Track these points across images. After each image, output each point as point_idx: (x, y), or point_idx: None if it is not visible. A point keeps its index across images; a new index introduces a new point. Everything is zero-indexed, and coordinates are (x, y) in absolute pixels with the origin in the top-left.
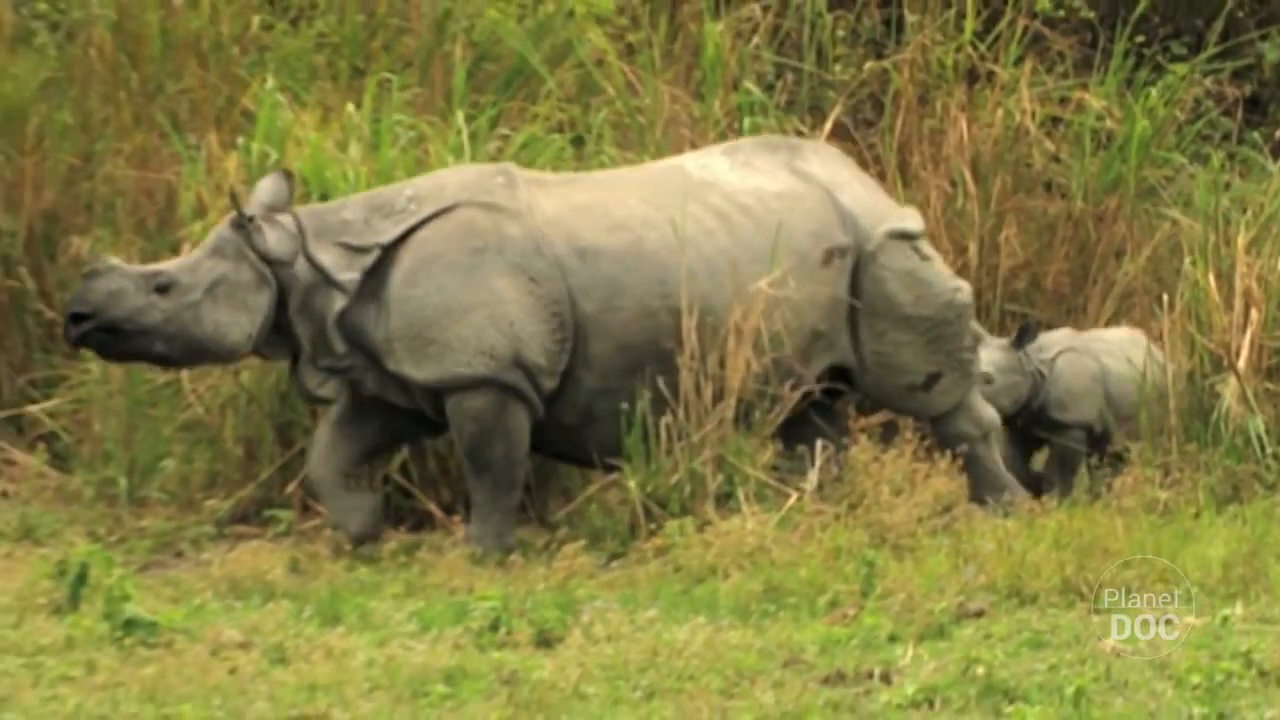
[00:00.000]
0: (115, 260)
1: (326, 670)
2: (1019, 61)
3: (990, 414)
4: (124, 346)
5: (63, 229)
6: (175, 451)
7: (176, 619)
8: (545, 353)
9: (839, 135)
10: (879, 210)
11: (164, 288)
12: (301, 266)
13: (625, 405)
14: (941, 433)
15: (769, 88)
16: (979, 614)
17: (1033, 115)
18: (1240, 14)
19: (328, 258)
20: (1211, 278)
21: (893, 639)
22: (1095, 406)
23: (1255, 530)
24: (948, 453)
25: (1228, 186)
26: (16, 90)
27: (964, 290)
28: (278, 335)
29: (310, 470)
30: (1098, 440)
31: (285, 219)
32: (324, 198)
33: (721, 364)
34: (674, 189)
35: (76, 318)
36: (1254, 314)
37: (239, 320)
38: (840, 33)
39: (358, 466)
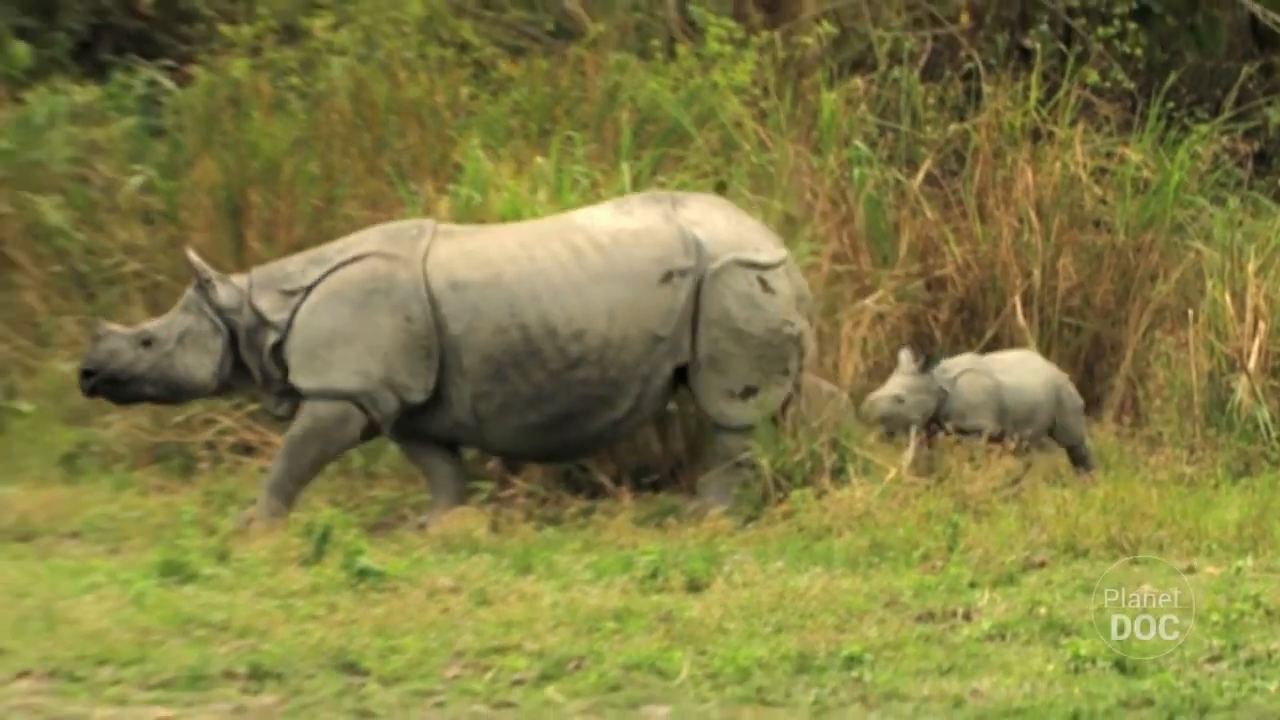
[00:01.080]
0: (113, 326)
1: (519, 610)
2: (1073, 123)
3: (747, 450)
4: (123, 392)
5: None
6: None
7: (400, 569)
8: (411, 374)
9: (929, 182)
10: (732, 242)
11: (147, 342)
12: (247, 313)
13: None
14: (721, 440)
15: (873, 144)
16: (1041, 565)
17: (1084, 166)
18: (1250, 85)
19: (265, 303)
20: (1228, 296)
21: (972, 585)
22: (991, 414)
23: (1262, 498)
24: (1016, 437)
25: (1240, 224)
26: (273, 146)
27: (794, 326)
28: (241, 371)
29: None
30: (997, 439)
31: (238, 278)
32: None
33: (835, 365)
34: (547, 233)
35: (86, 374)
36: (1261, 325)
37: (203, 361)
38: (930, 100)
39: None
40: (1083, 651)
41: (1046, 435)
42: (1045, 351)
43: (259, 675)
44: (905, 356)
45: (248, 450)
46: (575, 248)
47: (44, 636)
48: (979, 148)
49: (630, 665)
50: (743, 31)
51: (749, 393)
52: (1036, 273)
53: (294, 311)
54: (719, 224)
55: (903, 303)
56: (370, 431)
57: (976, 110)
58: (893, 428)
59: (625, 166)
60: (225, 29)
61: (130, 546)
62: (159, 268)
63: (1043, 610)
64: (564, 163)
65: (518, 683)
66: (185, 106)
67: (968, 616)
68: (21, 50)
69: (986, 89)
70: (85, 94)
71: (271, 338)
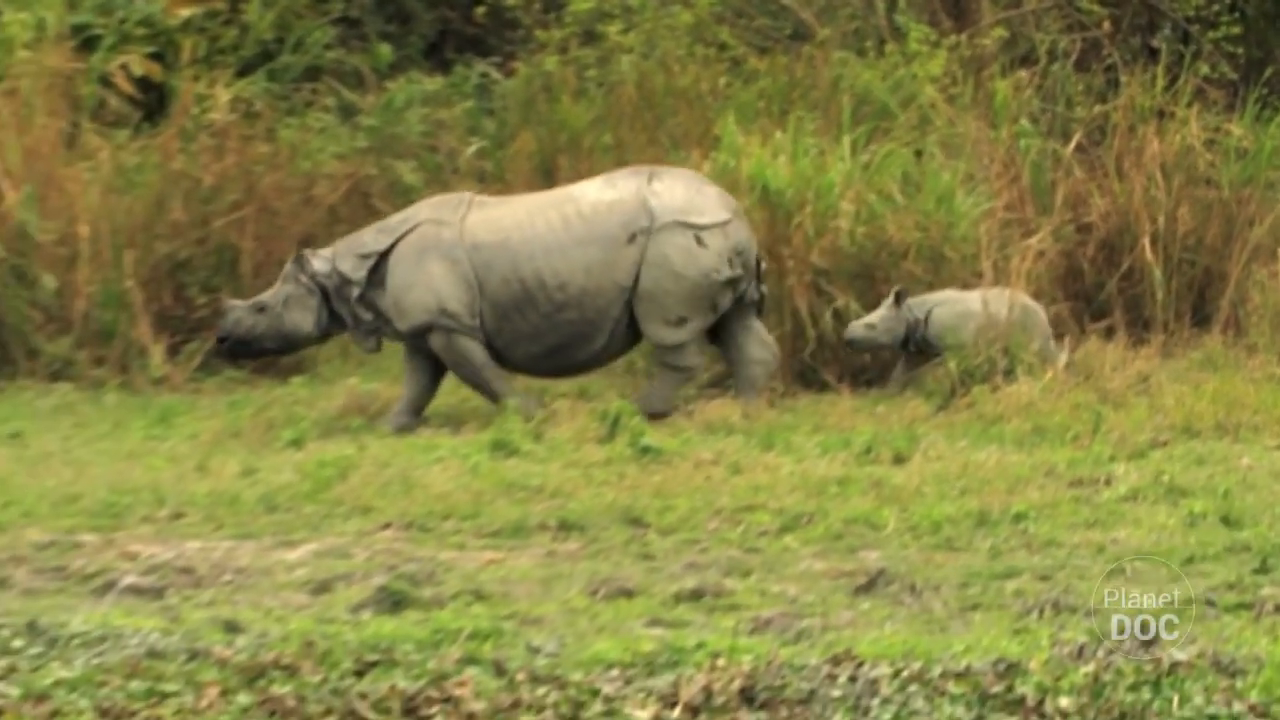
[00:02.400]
0: (236, 301)
1: (764, 477)
2: (1189, 105)
3: (691, 358)
4: (250, 350)
5: None
6: None
7: (673, 446)
8: (461, 304)
9: (1079, 150)
10: (679, 208)
11: (260, 309)
12: (334, 275)
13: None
14: (662, 357)
15: (1035, 121)
16: (1164, 443)
17: (1198, 138)
18: None
19: (346, 266)
20: None
21: (1111, 459)
22: (968, 335)
23: None
24: (1149, 343)
25: None
26: (577, 123)
27: (720, 273)
28: (335, 319)
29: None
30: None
31: (325, 251)
32: (764, 189)
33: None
34: (549, 204)
35: (220, 340)
36: None
37: (306, 318)
38: (1079, 88)
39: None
40: (1196, 509)
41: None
42: (1167, 281)
43: (565, 527)
44: (890, 293)
45: None
46: (565, 216)
47: (401, 497)
48: (1117, 124)
49: (849, 520)
50: (936, 34)
51: (681, 321)
52: (1161, 219)
53: (370, 270)
54: (676, 193)
55: (1058, 243)
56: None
57: (1115, 95)
58: (864, 349)
59: (845, 139)
60: (540, 33)
61: (467, 429)
62: None
63: (1165, 478)
64: (798, 136)
65: (763, 533)
66: (509, 93)
67: (1108, 483)
68: (385, 50)
69: (1123, 79)
70: (433, 84)
71: (354, 292)
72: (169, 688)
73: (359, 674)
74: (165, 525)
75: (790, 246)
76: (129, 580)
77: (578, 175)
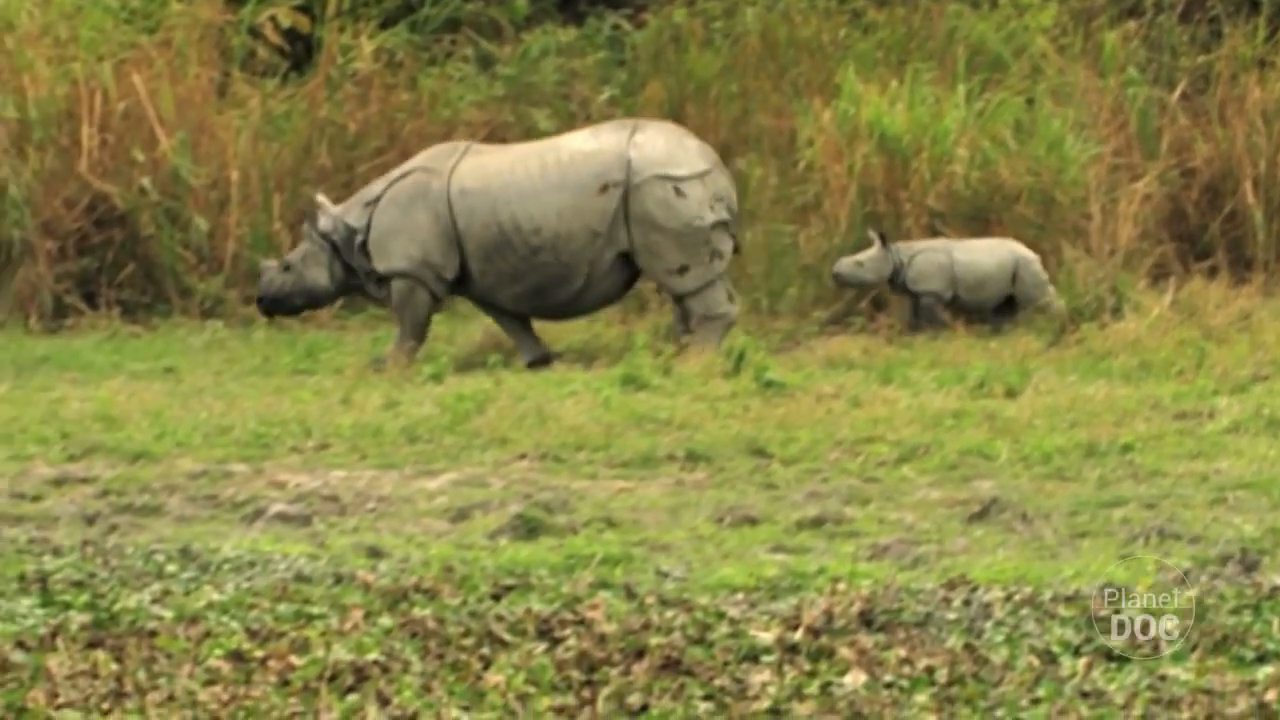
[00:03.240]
0: (268, 262)
1: (882, 410)
2: None
3: (719, 305)
4: (283, 307)
5: (730, 154)
6: (795, 283)
7: (795, 380)
8: (441, 255)
9: (1184, 98)
10: (658, 160)
11: (287, 267)
12: (341, 228)
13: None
14: (690, 308)
15: (1142, 70)
16: (1265, 378)
17: None
18: None
19: (351, 216)
20: None
21: (1214, 392)
22: (940, 283)
23: None
24: (1251, 282)
25: None
26: (704, 72)
27: (705, 218)
28: (351, 272)
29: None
30: (953, 301)
31: (337, 208)
32: (882, 136)
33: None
34: (534, 153)
35: (259, 300)
36: None
37: (320, 273)
38: (1184, 38)
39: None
40: None
41: (1009, 302)
42: (1268, 222)
43: (693, 458)
44: (873, 236)
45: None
46: (545, 164)
47: (536, 429)
48: (1220, 73)
49: (964, 451)
50: None
51: (683, 269)
52: (1262, 163)
53: (370, 216)
54: (657, 146)
55: (1163, 187)
56: (433, 298)
57: (1218, 45)
58: (847, 285)
59: (960, 88)
60: None
61: (599, 364)
62: None
63: (1266, 410)
64: (915, 85)
65: (881, 464)
66: (639, 43)
67: (1211, 416)
68: (521, 3)
69: (1226, 29)
70: (567, 35)
71: (358, 239)
72: (315, 610)
73: (496, 597)
74: (312, 456)
75: (907, 190)
76: (277, 508)
77: (705, 123)
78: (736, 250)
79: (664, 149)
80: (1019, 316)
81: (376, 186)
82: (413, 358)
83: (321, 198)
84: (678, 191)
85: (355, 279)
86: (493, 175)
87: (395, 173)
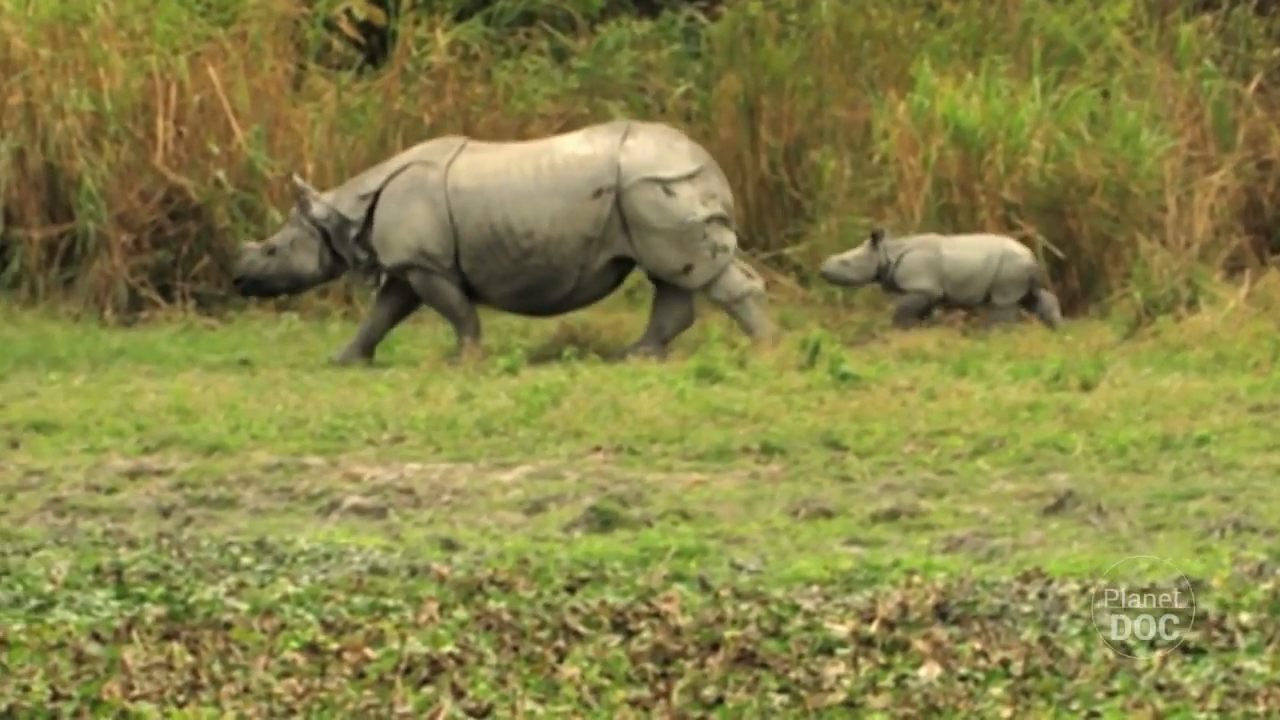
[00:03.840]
0: (250, 244)
1: (957, 403)
2: None
3: (739, 285)
4: (263, 290)
5: (805, 146)
6: None
7: (870, 372)
8: (440, 246)
9: (1259, 90)
10: (647, 164)
11: (271, 251)
12: (334, 217)
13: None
14: (711, 297)
15: (1217, 63)
16: None
17: None
18: None
19: (345, 207)
20: None
21: None
22: (929, 281)
23: None
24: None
25: None
26: (779, 65)
27: (697, 215)
28: (337, 259)
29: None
30: (942, 300)
31: (327, 195)
32: (957, 128)
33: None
34: (529, 155)
35: (237, 281)
36: None
37: (308, 259)
38: (1260, 30)
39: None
40: None
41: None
42: None
43: (768, 450)
44: (880, 230)
45: None
46: (539, 167)
47: (611, 421)
48: None
49: (1039, 444)
50: None
51: (687, 269)
52: None
53: (368, 210)
54: (647, 150)
55: (1239, 179)
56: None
57: None
58: (835, 284)
59: (1035, 80)
60: None
61: (674, 356)
62: None
63: None
64: (990, 77)
65: (956, 456)
66: (714, 36)
67: None
68: None
69: None
70: (641, 27)
71: (352, 231)
72: (390, 603)
73: (570, 590)
74: (387, 448)
75: (982, 182)
76: (352, 500)
77: (779, 116)
78: (743, 244)
79: (653, 152)
80: (994, 314)
81: (371, 179)
82: (476, 342)
83: (304, 183)
84: (667, 191)
85: (343, 266)
86: (488, 175)
87: (392, 165)
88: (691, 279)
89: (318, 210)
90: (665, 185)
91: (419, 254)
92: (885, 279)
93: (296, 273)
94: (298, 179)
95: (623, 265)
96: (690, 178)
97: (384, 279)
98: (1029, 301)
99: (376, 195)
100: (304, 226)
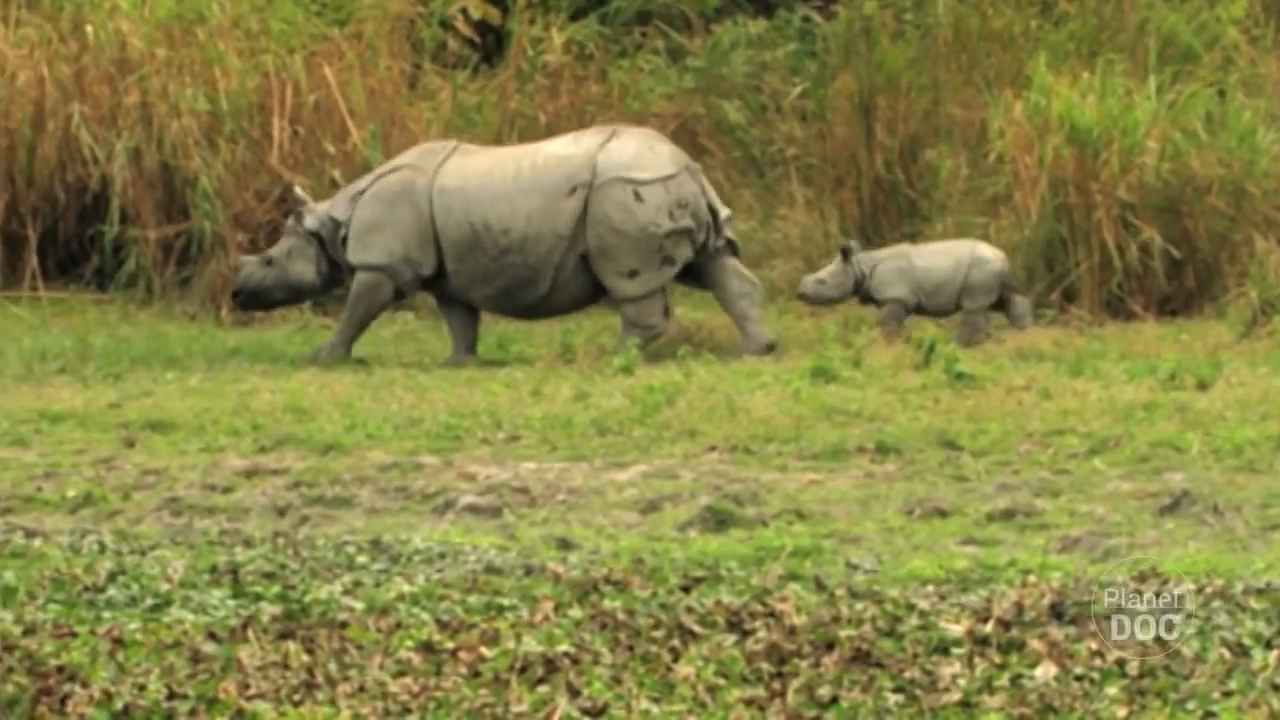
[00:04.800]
0: (247, 256)
1: (1073, 402)
2: None
3: (648, 318)
4: (262, 301)
5: (920, 145)
6: None
7: (985, 372)
8: (422, 253)
9: None
10: (622, 164)
11: (269, 262)
12: (327, 223)
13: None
14: (624, 311)
15: None
16: None
17: None
18: None
19: (338, 210)
20: None
21: None
22: (903, 290)
23: None
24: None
25: None
26: (895, 64)
27: (661, 227)
28: (335, 267)
29: None
30: (917, 309)
31: (322, 205)
32: (1073, 127)
33: None
34: (513, 156)
35: (235, 294)
36: None
37: (306, 268)
38: None
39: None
40: None
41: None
42: None
43: (883, 450)
44: (852, 246)
45: None
46: (520, 168)
47: (726, 421)
48: None
49: (1155, 443)
50: None
51: (634, 274)
52: None
53: (354, 209)
54: (626, 151)
55: None
56: (399, 295)
57: None
58: (814, 303)
59: (1151, 79)
60: None
61: (789, 355)
62: (811, 153)
63: None
64: (1106, 76)
65: (1071, 456)
66: (830, 35)
67: None
68: None
69: None
70: (757, 27)
71: (343, 232)
72: (505, 602)
73: (685, 589)
74: (502, 447)
75: (1098, 182)
76: (467, 500)
77: (895, 115)
78: (720, 249)
79: (632, 153)
80: (965, 320)
81: (363, 181)
82: (349, 350)
83: (301, 191)
84: (637, 196)
85: (340, 273)
86: (471, 176)
87: (384, 167)
88: (629, 286)
89: (310, 221)
90: (636, 187)
91: (401, 260)
92: (861, 292)
93: (295, 283)
94: (296, 189)
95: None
96: (665, 181)
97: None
98: (1002, 306)
99: (363, 193)
100: (300, 236)
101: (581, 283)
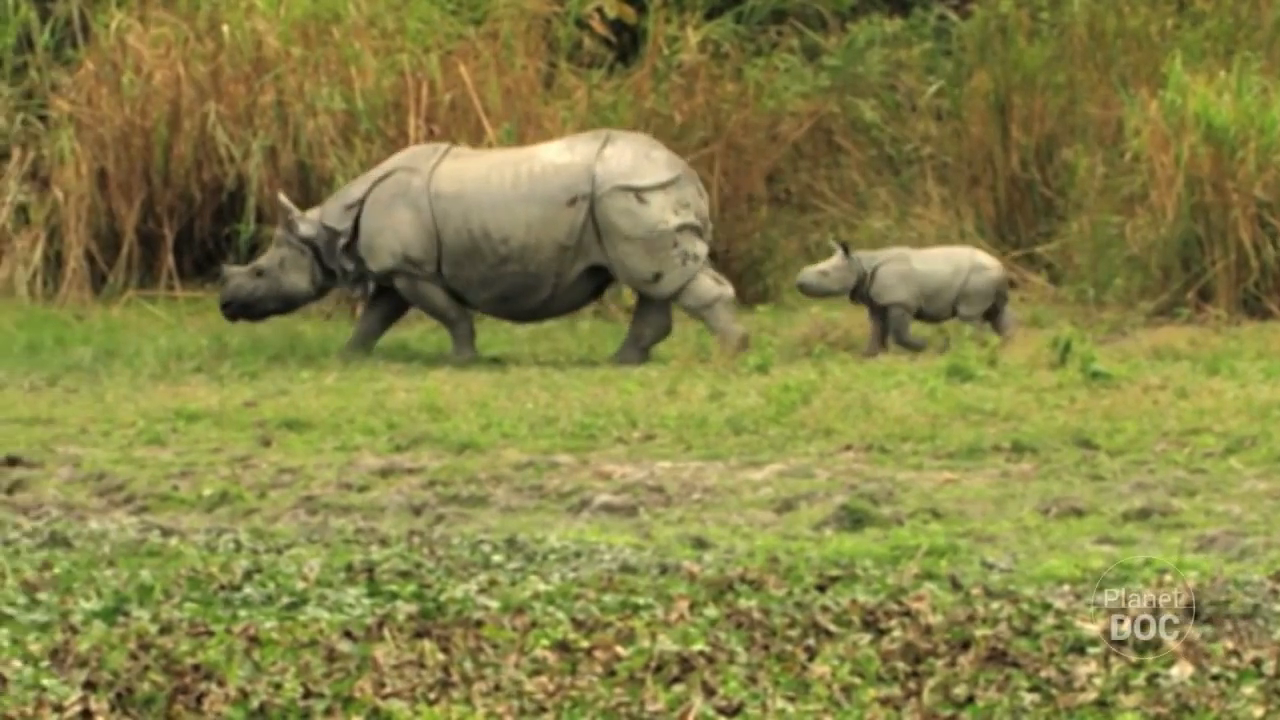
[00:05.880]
0: (235, 268)
1: (1209, 401)
2: None
3: (708, 292)
4: (253, 312)
5: (1056, 144)
6: (1121, 273)
7: (1121, 371)
8: (423, 251)
9: None
10: (621, 172)
11: (259, 273)
12: (321, 232)
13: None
14: (686, 308)
15: None
16: None
17: None
18: None
19: (332, 219)
20: None
21: None
22: (905, 294)
23: None
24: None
25: None
26: (1030, 63)
27: (669, 223)
28: (329, 274)
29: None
30: (919, 313)
31: (313, 212)
32: (1209, 126)
33: None
34: (510, 162)
35: (224, 306)
36: None
37: (300, 278)
38: None
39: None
40: None
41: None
42: None
43: (1019, 449)
44: (834, 245)
45: (1011, 285)
46: (518, 175)
47: (861, 420)
48: None
49: None
50: None
51: (657, 277)
52: None
53: (354, 220)
54: (624, 159)
55: None
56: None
57: None
58: (814, 295)
59: None
60: None
61: (925, 355)
62: (947, 152)
63: None
64: (1243, 75)
65: (1208, 455)
66: (965, 33)
67: None
68: None
69: None
70: (893, 25)
71: (340, 241)
72: (641, 601)
73: (821, 588)
74: (637, 446)
75: (1234, 181)
76: (603, 499)
77: (1031, 114)
78: (713, 256)
79: (629, 161)
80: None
81: (356, 189)
82: (470, 341)
83: (288, 202)
84: (640, 200)
85: (333, 281)
86: (468, 181)
87: (376, 173)
88: (661, 287)
89: (305, 229)
90: (638, 193)
91: (404, 260)
92: (861, 292)
93: (289, 292)
94: (282, 198)
95: (600, 275)
96: (664, 186)
97: (372, 288)
98: (991, 314)
99: (362, 203)
100: (293, 245)
101: (582, 289)
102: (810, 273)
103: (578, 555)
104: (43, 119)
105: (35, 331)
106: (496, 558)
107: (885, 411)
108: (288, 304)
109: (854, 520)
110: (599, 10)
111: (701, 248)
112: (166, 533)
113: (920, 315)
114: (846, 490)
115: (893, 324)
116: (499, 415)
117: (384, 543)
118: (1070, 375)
